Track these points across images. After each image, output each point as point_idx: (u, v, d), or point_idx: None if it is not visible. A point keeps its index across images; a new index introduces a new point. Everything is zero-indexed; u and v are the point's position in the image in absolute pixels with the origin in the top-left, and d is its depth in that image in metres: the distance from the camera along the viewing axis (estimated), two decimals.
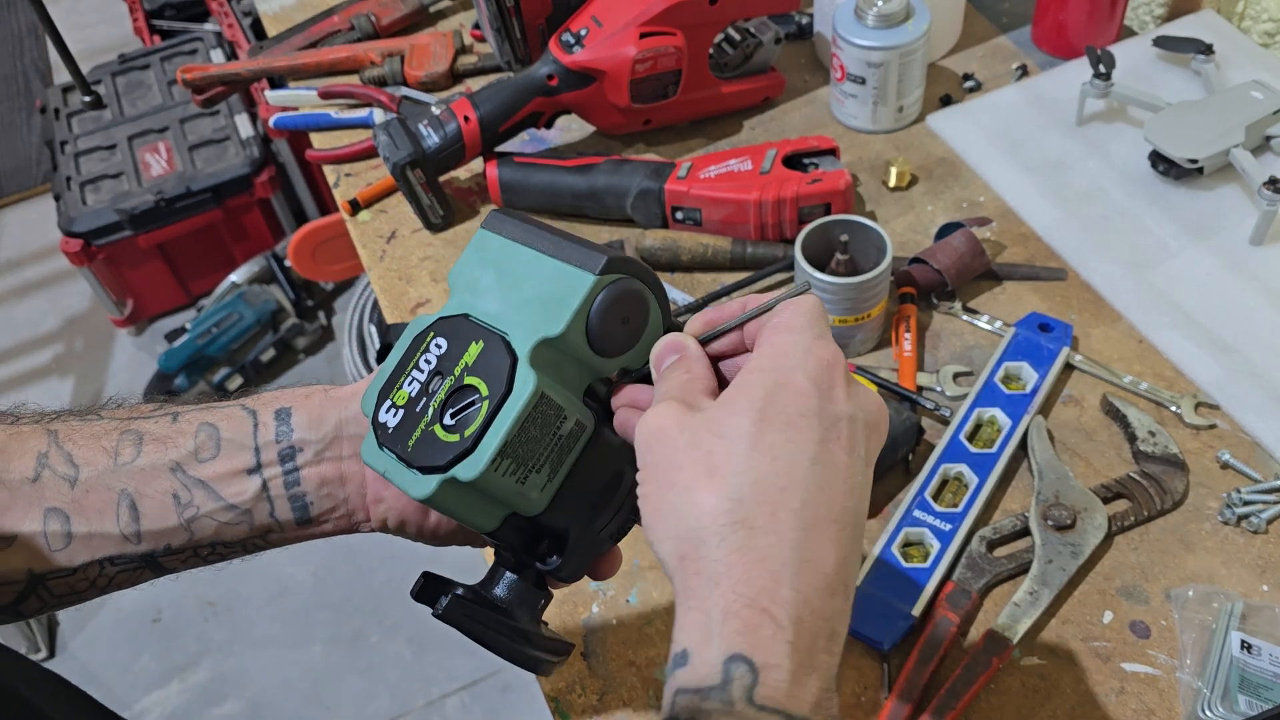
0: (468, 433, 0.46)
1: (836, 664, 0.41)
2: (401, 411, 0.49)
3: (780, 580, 0.40)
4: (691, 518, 0.41)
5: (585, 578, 0.55)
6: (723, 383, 0.49)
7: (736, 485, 0.41)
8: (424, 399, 0.48)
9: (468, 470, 0.46)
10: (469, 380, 0.47)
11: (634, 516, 0.53)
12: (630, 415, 0.50)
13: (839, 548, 0.41)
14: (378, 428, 0.49)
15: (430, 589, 0.51)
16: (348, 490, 0.55)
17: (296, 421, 0.54)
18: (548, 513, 0.49)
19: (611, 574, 0.56)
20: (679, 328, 0.52)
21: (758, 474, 0.41)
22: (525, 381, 0.46)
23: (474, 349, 0.48)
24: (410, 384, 0.49)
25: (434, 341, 0.50)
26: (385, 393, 0.50)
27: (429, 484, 0.47)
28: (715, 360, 0.50)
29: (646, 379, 0.51)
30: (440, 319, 0.50)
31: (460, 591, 0.50)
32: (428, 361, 0.49)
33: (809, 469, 0.41)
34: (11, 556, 0.51)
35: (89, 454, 0.52)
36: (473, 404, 0.47)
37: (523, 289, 0.49)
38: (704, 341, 0.49)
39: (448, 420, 0.47)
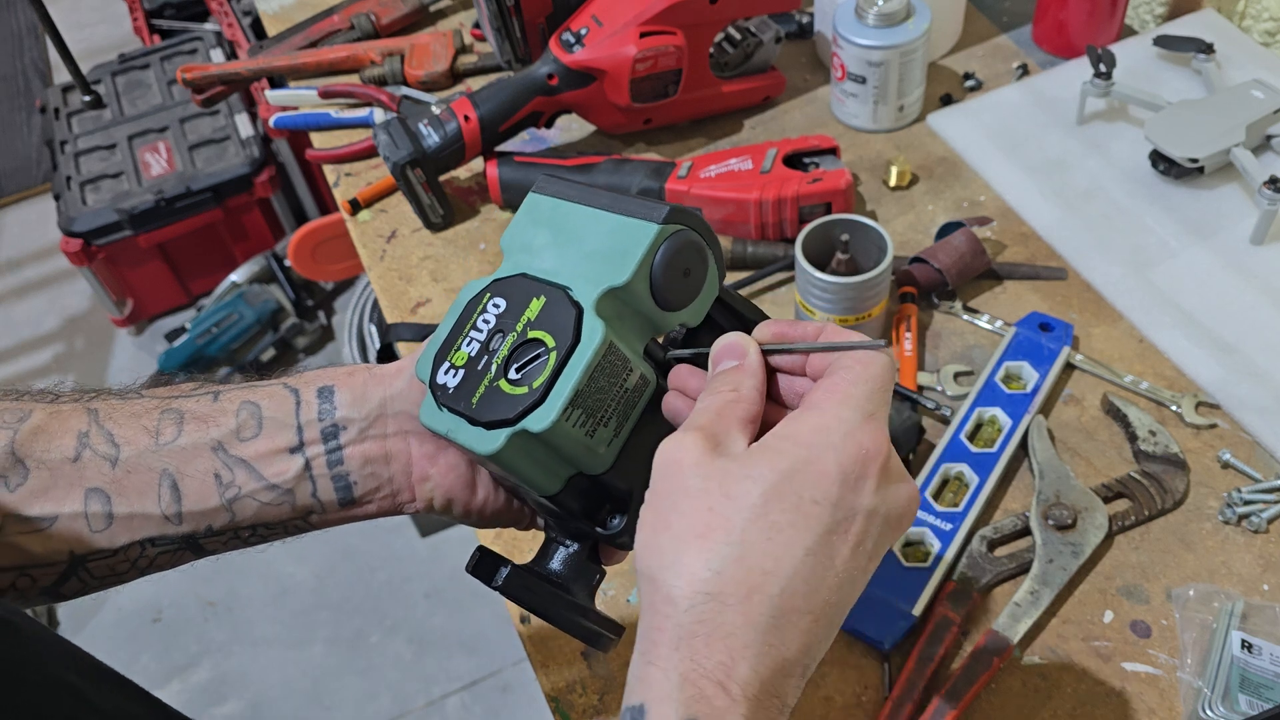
0: (536, 384, 0.46)
1: None
2: (462, 371, 0.48)
3: (739, 659, 0.39)
4: (671, 571, 0.41)
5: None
6: (771, 395, 0.47)
7: (722, 556, 0.40)
8: (485, 357, 0.48)
9: (539, 420, 0.45)
10: (533, 334, 0.47)
11: None
12: (677, 401, 0.49)
13: (806, 638, 0.41)
14: (437, 389, 0.48)
15: (486, 564, 0.50)
16: (392, 469, 0.54)
17: (340, 400, 0.53)
18: (612, 471, 0.49)
19: None
20: (737, 299, 0.52)
21: (746, 550, 0.40)
22: (593, 330, 0.46)
23: (535, 304, 0.48)
24: (469, 344, 0.49)
25: (491, 302, 0.49)
26: (442, 356, 0.49)
27: (497, 438, 0.46)
28: (774, 372, 0.48)
29: (703, 342, 0.51)
30: (496, 280, 0.50)
31: (518, 565, 0.50)
32: (486, 321, 0.49)
33: (800, 559, 0.40)
34: (52, 538, 0.50)
35: (130, 433, 0.52)
36: (538, 357, 0.46)
37: (582, 244, 0.49)
38: (767, 353, 0.48)
39: (513, 375, 0.47)
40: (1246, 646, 0.67)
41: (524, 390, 0.46)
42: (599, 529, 0.51)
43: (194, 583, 1.91)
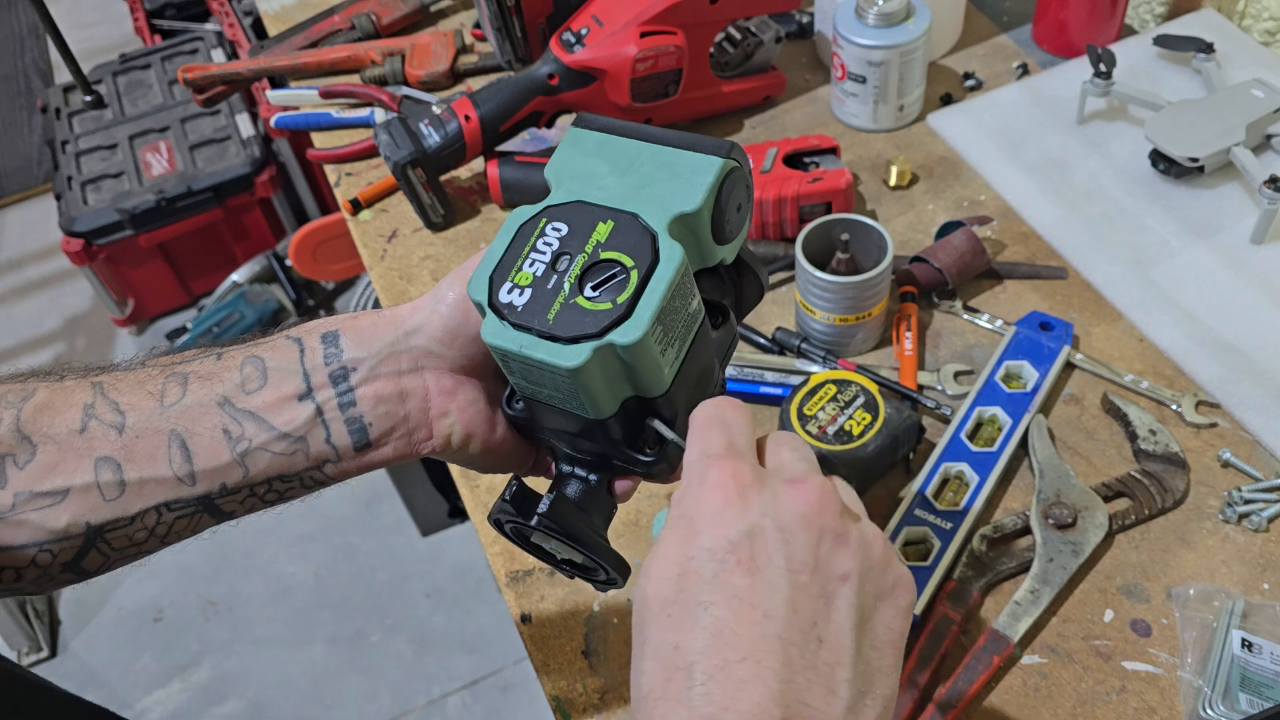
0: (620, 299, 0.47)
1: None
2: (529, 290, 0.48)
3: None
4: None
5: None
6: None
7: (642, 661, 0.40)
8: (554, 276, 0.48)
9: (627, 334, 0.46)
10: (606, 255, 0.48)
11: None
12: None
13: (761, 683, 0.37)
14: (503, 308, 0.49)
15: (522, 497, 0.51)
16: (408, 406, 0.53)
17: (346, 343, 0.53)
18: (666, 395, 0.49)
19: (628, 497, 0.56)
20: (748, 252, 0.55)
21: (659, 641, 0.40)
22: (672, 251, 0.47)
23: (603, 228, 0.49)
24: (532, 265, 0.49)
25: (550, 226, 0.50)
26: (501, 276, 0.49)
27: (582, 352, 0.46)
28: None
29: (705, 289, 0.53)
30: (550, 206, 0.51)
31: (554, 494, 0.51)
32: (548, 244, 0.49)
33: (704, 614, 0.39)
34: (66, 511, 0.50)
35: (135, 399, 0.51)
36: (615, 276, 0.47)
37: (642, 174, 0.50)
38: None
39: (589, 293, 0.47)
40: (1247, 645, 0.67)
41: (607, 305, 0.47)
42: (639, 456, 0.52)
43: (195, 582, 1.91)
